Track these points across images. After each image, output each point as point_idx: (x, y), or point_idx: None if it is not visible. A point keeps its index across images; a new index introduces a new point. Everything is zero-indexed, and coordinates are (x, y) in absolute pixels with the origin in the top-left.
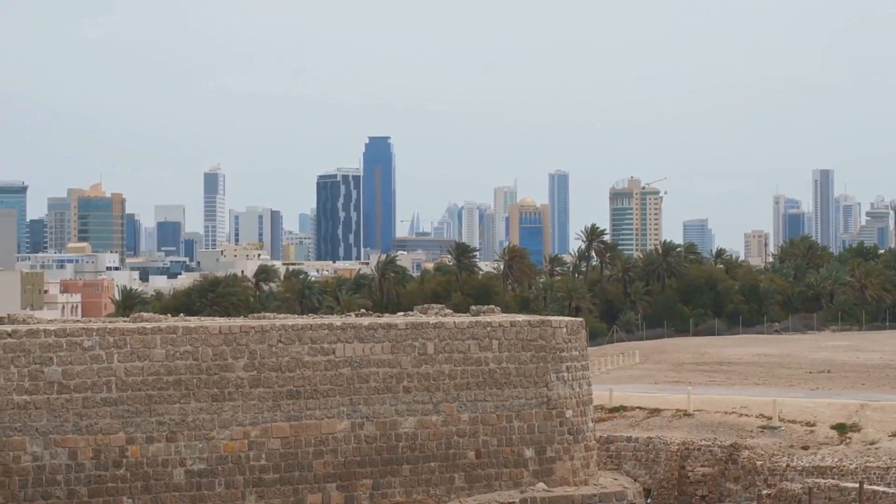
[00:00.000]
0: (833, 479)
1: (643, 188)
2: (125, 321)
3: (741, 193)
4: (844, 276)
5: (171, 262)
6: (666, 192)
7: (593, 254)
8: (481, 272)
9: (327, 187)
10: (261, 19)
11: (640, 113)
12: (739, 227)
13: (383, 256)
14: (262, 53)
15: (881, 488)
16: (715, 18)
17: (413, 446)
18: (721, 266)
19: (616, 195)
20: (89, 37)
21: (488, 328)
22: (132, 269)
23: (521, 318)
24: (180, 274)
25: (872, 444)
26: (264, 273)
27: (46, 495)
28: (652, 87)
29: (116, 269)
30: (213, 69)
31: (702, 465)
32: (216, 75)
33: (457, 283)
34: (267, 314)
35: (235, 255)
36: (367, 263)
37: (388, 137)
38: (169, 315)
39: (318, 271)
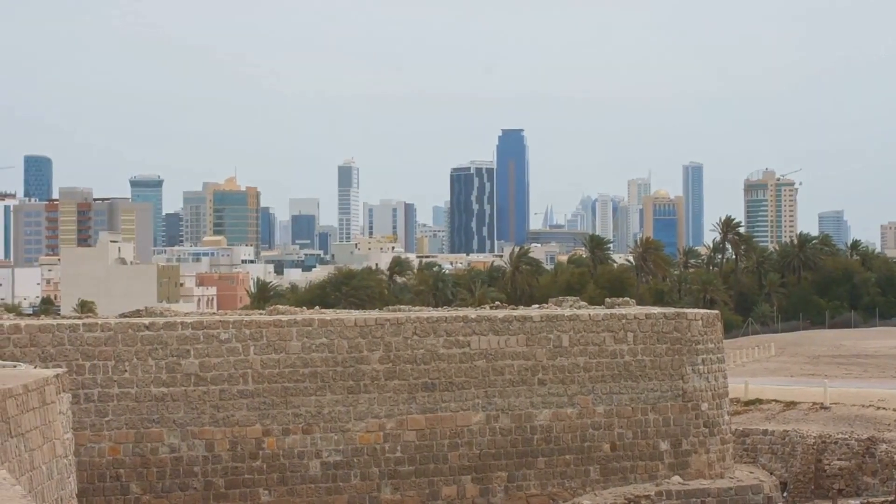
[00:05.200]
0: None
1: (778, 180)
2: (261, 314)
3: (877, 185)
4: None
5: (306, 255)
6: (801, 184)
7: (728, 246)
8: (615, 264)
9: (461, 180)
10: (400, 19)
11: (775, 104)
12: (876, 219)
13: (517, 249)
14: (398, 52)
15: None
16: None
17: (548, 439)
18: (857, 258)
19: (750, 187)
20: (217, 42)
21: (623, 320)
22: (267, 262)
23: (656, 310)
24: (315, 267)
25: None
26: (398, 266)
27: (184, 486)
28: (786, 76)
29: (251, 262)
30: (350, 70)
31: (838, 459)
32: (353, 76)
33: (591, 275)
34: (402, 306)
35: (370, 248)
36: (501, 256)
37: (522, 130)
38: (304, 308)
39: (451, 264)
